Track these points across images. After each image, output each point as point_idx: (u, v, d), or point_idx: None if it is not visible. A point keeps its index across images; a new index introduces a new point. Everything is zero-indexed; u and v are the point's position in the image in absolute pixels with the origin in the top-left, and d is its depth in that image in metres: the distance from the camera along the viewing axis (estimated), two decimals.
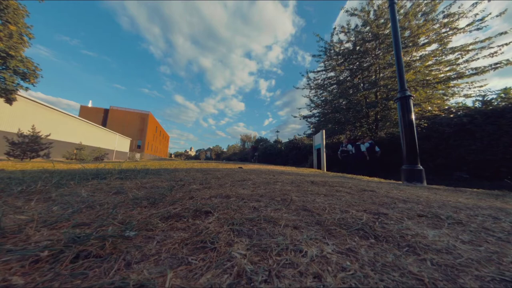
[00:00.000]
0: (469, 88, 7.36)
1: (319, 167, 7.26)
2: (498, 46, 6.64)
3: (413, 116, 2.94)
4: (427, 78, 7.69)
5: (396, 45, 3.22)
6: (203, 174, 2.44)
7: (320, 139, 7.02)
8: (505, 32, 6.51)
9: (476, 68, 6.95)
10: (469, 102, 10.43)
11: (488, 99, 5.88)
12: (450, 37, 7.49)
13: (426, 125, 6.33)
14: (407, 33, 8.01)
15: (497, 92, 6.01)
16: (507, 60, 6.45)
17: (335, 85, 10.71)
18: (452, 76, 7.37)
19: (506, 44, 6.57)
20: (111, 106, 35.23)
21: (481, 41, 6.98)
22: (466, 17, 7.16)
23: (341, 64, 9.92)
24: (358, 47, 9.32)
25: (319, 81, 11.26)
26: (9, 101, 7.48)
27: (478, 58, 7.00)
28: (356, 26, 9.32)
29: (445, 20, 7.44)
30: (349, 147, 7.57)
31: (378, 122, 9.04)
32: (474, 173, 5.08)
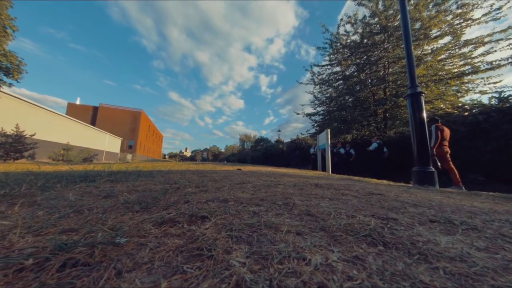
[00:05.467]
0: (485, 84, 7.36)
1: (323, 169, 7.26)
2: None
3: (424, 114, 2.94)
4: (440, 73, 7.69)
5: (406, 37, 3.22)
6: (199, 177, 2.44)
7: (325, 139, 7.02)
8: None
9: (492, 62, 6.95)
10: (484, 99, 10.41)
11: (505, 96, 5.87)
12: (464, 29, 7.49)
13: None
14: (417, 25, 8.01)
15: None
16: None
17: (341, 81, 10.71)
18: (467, 71, 7.37)
19: None
20: (100, 103, 35.20)
21: (498, 32, 6.97)
22: (481, 7, 7.16)
23: (347, 58, 9.92)
24: (365, 40, 9.31)
25: (324, 76, 11.26)
26: None
27: (495, 51, 6.99)
28: (364, 17, 9.32)
29: (459, 11, 7.44)
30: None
31: (386, 121, 9.05)
32: (490, 175, 5.07)
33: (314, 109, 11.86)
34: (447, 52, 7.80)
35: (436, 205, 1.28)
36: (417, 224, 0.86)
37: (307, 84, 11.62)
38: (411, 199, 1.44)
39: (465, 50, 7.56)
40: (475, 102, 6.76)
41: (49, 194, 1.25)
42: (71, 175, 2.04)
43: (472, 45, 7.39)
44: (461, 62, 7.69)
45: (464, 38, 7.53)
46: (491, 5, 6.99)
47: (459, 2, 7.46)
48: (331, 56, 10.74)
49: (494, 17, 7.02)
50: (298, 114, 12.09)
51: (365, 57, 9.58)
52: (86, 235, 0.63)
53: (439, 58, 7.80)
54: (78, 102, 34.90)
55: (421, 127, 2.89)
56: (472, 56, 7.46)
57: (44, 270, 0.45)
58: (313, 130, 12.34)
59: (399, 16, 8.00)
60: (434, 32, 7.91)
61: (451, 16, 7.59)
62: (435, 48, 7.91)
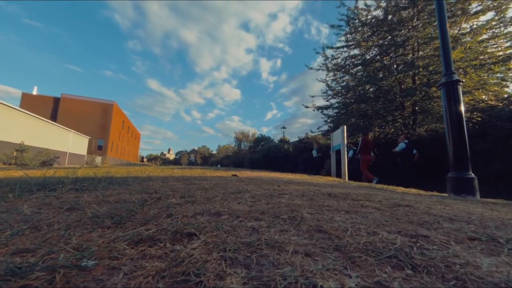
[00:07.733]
0: None
1: (338, 174, 7.28)
2: None
3: (462, 108, 2.95)
4: (481, 57, 7.71)
5: (439, 13, 3.23)
6: (185, 184, 2.44)
7: (341, 138, 7.04)
8: None
9: None
10: None
11: None
12: (511, 3, 7.52)
13: (479, 119, 6.35)
14: None
15: None
16: None
17: (360, 66, 10.73)
18: None
19: None
20: (63, 94, 35.19)
21: None
22: None
23: (368, 38, 9.94)
24: (390, 16, 9.33)
25: (339, 60, 11.28)
26: None
27: None
28: None
29: None
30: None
31: (416, 116, 9.07)
32: None
33: (327, 101, 11.88)
34: (490, 31, 7.82)
35: (476, 219, 1.29)
36: (453, 242, 0.86)
37: (319, 70, 11.64)
38: (445, 212, 1.44)
39: None
40: None
41: None
42: (27, 182, 2.04)
43: None
44: (507, 44, 7.72)
45: (510, 14, 7.56)
46: None
47: None
48: (348, 36, 10.75)
49: None
50: (307, 107, 12.10)
51: (389, 37, 9.60)
52: (45, 257, 0.63)
53: (480, 38, 7.82)
54: (35, 92, 34.83)
55: (458, 124, 2.90)
56: None
57: None
58: (325, 127, 12.36)
59: None
60: (474, 6, 7.93)
61: None
62: (475, 26, 7.92)
